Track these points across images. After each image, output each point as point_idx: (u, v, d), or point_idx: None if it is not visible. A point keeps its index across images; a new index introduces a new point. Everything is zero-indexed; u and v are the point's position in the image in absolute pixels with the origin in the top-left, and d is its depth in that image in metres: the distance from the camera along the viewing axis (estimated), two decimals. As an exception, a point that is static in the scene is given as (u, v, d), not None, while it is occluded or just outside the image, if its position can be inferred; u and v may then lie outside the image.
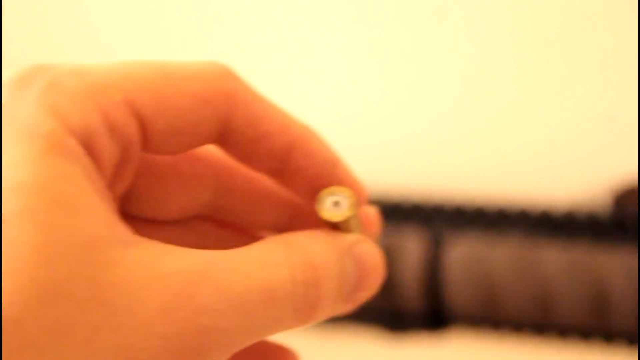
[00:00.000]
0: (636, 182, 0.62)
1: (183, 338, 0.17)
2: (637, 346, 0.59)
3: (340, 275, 0.21)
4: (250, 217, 0.25)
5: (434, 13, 0.66)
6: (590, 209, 0.63)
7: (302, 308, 0.20)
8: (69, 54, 0.73)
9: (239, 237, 0.26)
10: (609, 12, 0.63)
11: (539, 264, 0.61)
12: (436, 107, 0.67)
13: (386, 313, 0.64)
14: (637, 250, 0.59)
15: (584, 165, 0.64)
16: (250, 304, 0.18)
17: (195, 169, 0.24)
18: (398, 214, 0.66)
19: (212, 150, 0.24)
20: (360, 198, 0.24)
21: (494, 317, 0.62)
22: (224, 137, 0.22)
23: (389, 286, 0.63)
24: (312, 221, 0.23)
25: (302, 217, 0.26)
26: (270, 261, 0.19)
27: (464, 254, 0.63)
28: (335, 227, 0.22)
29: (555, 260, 0.61)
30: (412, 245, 0.64)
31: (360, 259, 0.22)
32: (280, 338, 0.28)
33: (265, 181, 0.25)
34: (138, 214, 0.23)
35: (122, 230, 0.18)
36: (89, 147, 0.18)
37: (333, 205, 0.22)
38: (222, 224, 0.26)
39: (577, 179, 0.64)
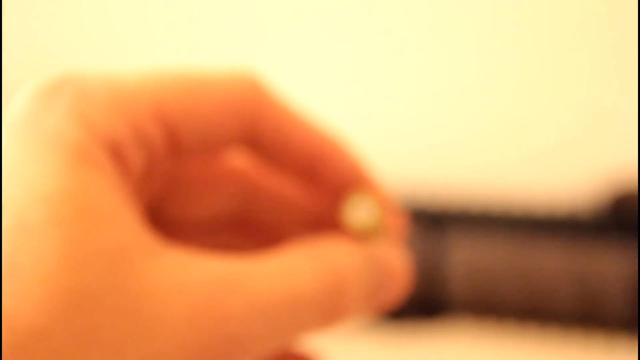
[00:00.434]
0: (635, 184, 0.63)
1: (210, 346, 0.17)
2: (636, 345, 0.60)
3: (365, 282, 0.21)
4: (275, 221, 0.25)
5: (435, 13, 0.66)
6: (590, 210, 0.63)
7: (327, 315, 0.20)
8: (68, 55, 0.73)
9: (265, 242, 0.26)
10: (609, 13, 0.63)
11: (537, 266, 0.61)
12: (436, 108, 0.67)
13: (386, 313, 0.64)
14: (635, 251, 0.59)
15: (583, 167, 0.65)
16: (276, 312, 0.18)
17: (221, 175, 0.24)
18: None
19: (237, 157, 0.24)
20: (386, 205, 0.24)
21: (494, 316, 0.63)
22: (250, 142, 0.22)
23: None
24: (338, 227, 0.23)
25: (327, 223, 0.26)
26: (295, 269, 0.19)
27: (464, 256, 0.63)
28: (360, 234, 0.22)
29: (553, 261, 0.61)
30: (414, 247, 0.64)
31: (385, 266, 0.22)
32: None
33: (291, 187, 0.25)
34: (167, 220, 0.23)
35: (148, 239, 0.18)
36: (117, 157, 0.18)
37: (358, 212, 0.22)
38: (248, 228, 0.26)
39: (576, 180, 0.65)
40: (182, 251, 0.18)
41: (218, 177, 0.24)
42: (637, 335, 0.59)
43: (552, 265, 0.61)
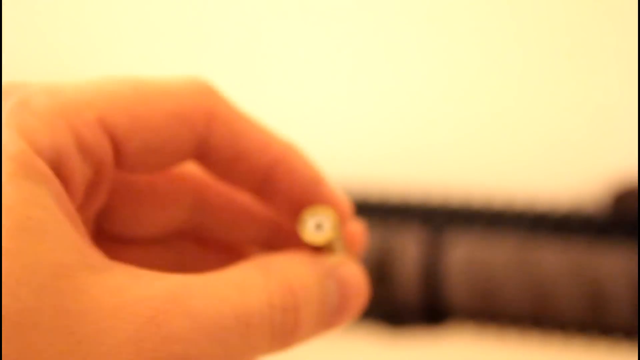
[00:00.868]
0: (636, 182, 0.62)
1: None
2: (636, 345, 0.59)
3: (321, 298, 0.21)
4: (230, 234, 0.25)
5: (435, 12, 0.66)
6: (589, 209, 0.62)
7: (280, 334, 0.19)
8: (68, 56, 0.73)
9: (220, 255, 0.25)
10: (609, 13, 0.63)
11: (537, 264, 0.61)
12: (435, 107, 0.67)
13: (386, 312, 0.64)
14: (636, 250, 0.59)
15: (583, 165, 0.64)
16: (224, 331, 0.18)
17: (172, 186, 0.23)
18: (397, 214, 0.65)
19: (190, 167, 0.23)
20: (345, 217, 0.23)
21: (492, 316, 0.62)
22: (203, 154, 0.21)
23: (389, 286, 0.63)
24: (295, 239, 0.22)
25: (284, 235, 0.25)
26: (246, 285, 0.19)
27: (463, 254, 0.62)
28: (318, 248, 0.22)
29: (554, 260, 0.61)
30: (412, 246, 0.63)
31: (343, 281, 0.21)
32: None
33: (246, 198, 0.24)
34: (115, 233, 0.23)
35: (91, 255, 0.17)
36: (59, 169, 0.18)
37: (315, 226, 0.21)
38: (202, 242, 0.25)
39: (577, 178, 0.64)
40: (126, 268, 0.18)
41: (171, 189, 0.23)
42: (637, 335, 0.59)
43: (553, 263, 0.60)
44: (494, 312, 0.62)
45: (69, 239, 0.17)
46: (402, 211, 0.65)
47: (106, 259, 0.18)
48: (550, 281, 0.60)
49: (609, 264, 0.59)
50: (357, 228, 0.25)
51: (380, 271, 0.63)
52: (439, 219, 0.64)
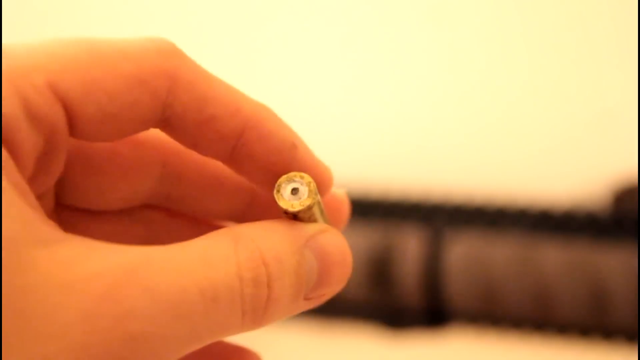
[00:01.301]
0: (636, 181, 0.62)
1: (107, 347, 0.15)
2: (637, 344, 0.59)
3: (298, 270, 0.19)
4: (203, 205, 0.23)
5: (434, 12, 0.66)
6: (590, 207, 0.62)
7: (251, 309, 0.18)
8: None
9: (194, 227, 0.23)
10: (609, 11, 0.63)
11: (538, 263, 0.61)
12: (436, 106, 0.67)
13: (386, 310, 0.64)
14: (636, 248, 0.59)
15: (584, 164, 0.64)
16: (187, 306, 0.16)
17: (137, 155, 0.21)
18: (398, 212, 0.65)
19: (156, 134, 0.21)
20: (325, 183, 0.22)
21: (493, 314, 0.62)
22: (167, 121, 0.19)
23: (389, 284, 0.63)
24: (274, 211, 0.20)
25: (261, 205, 0.23)
26: (214, 256, 0.17)
27: (464, 252, 0.62)
28: (296, 217, 0.20)
29: (555, 258, 0.61)
30: (413, 244, 0.63)
31: (323, 250, 0.20)
32: (268, 333, 0.28)
33: (218, 166, 0.22)
34: (77, 204, 0.21)
35: (42, 228, 0.16)
36: (6, 137, 0.16)
37: (292, 193, 0.20)
38: (175, 214, 0.23)
39: (577, 177, 0.64)
40: (81, 240, 0.16)
41: (135, 158, 0.21)
42: (637, 333, 0.59)
43: (554, 261, 0.60)
44: (495, 310, 0.62)
45: (14, 210, 0.15)
46: (403, 210, 0.65)
47: (59, 231, 0.16)
48: (551, 279, 0.60)
49: (610, 261, 0.59)
50: (339, 196, 0.23)
51: (380, 271, 0.63)
52: (440, 218, 0.64)
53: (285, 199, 0.20)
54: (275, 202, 0.20)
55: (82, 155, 0.20)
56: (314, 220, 0.20)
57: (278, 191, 0.20)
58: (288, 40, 0.69)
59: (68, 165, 0.20)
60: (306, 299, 0.19)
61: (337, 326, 0.65)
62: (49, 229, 0.16)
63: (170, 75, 0.18)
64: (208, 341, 0.17)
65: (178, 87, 0.19)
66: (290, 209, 0.20)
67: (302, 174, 0.20)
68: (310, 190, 0.20)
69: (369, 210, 0.65)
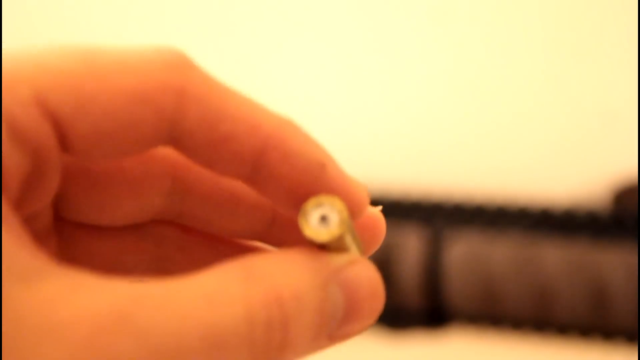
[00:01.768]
0: (636, 180, 0.61)
1: None
2: (637, 343, 0.59)
3: (320, 308, 0.17)
4: (219, 224, 0.21)
5: (436, 13, 0.66)
6: (590, 206, 0.62)
7: (263, 355, 0.16)
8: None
9: (211, 245, 0.21)
10: (609, 11, 0.63)
11: (538, 262, 0.60)
12: (436, 105, 0.67)
13: (386, 310, 0.64)
14: (636, 247, 0.58)
15: (584, 163, 0.64)
16: (184, 354, 0.14)
17: (143, 169, 0.19)
18: (398, 211, 0.65)
19: (165, 149, 0.19)
20: (358, 206, 0.19)
21: (493, 314, 0.62)
22: (176, 140, 0.17)
23: (389, 284, 0.63)
24: (298, 229, 0.18)
25: (285, 224, 0.21)
26: (219, 295, 0.15)
27: (463, 252, 0.62)
28: (324, 245, 0.18)
29: (555, 257, 0.60)
30: (412, 243, 0.63)
31: (350, 285, 0.17)
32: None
33: (236, 183, 0.20)
34: (79, 220, 0.19)
35: (23, 260, 0.14)
36: None
37: (320, 220, 0.17)
38: (190, 229, 0.21)
39: (577, 176, 0.64)
40: (67, 275, 0.14)
41: (142, 173, 0.19)
42: (637, 333, 0.58)
43: (554, 260, 0.60)
44: (495, 309, 0.61)
45: None
46: (403, 209, 0.65)
47: (45, 262, 0.14)
48: (551, 279, 0.60)
49: (610, 260, 0.59)
50: (374, 216, 0.20)
51: (380, 270, 0.62)
52: (440, 217, 0.64)
53: (312, 227, 0.17)
54: (301, 230, 0.17)
55: (82, 170, 0.19)
56: (344, 249, 0.18)
57: (304, 217, 0.17)
58: (289, 40, 0.69)
59: (67, 180, 0.18)
60: (330, 337, 0.17)
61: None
62: (32, 261, 0.14)
63: (178, 90, 0.16)
64: None
65: (187, 103, 0.17)
66: (317, 239, 0.17)
67: (334, 198, 0.17)
68: (340, 218, 0.17)
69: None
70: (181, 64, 0.17)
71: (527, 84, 0.65)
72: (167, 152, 0.19)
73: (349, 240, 0.18)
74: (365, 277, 0.18)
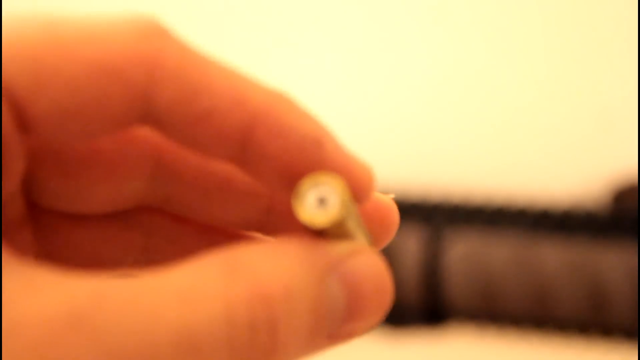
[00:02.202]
0: (635, 180, 0.61)
1: None
2: (636, 342, 0.58)
3: (316, 305, 0.15)
4: (210, 212, 0.18)
5: (436, 13, 0.66)
6: (590, 206, 0.62)
7: (247, 359, 0.14)
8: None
9: (204, 235, 0.19)
10: (609, 11, 0.63)
11: (538, 262, 0.60)
12: (436, 105, 0.67)
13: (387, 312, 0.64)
14: (636, 247, 0.58)
15: (583, 163, 0.64)
16: (152, 357, 0.13)
17: (121, 151, 0.17)
18: (398, 211, 0.66)
19: (145, 129, 0.17)
20: (363, 187, 0.16)
21: (493, 313, 0.62)
22: (152, 117, 0.15)
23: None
24: (295, 218, 0.15)
25: (283, 212, 0.18)
26: (196, 292, 0.13)
27: (463, 251, 0.62)
28: (322, 232, 0.15)
29: (554, 257, 0.60)
30: (412, 243, 0.63)
31: (353, 279, 0.15)
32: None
33: (226, 166, 0.18)
34: (55, 208, 0.17)
35: None
36: None
37: (317, 202, 0.15)
38: (182, 218, 0.19)
39: (576, 176, 0.64)
40: (23, 275, 0.13)
41: (119, 156, 0.17)
42: (637, 332, 0.58)
43: (553, 260, 0.60)
44: (494, 309, 0.61)
45: None
46: (403, 209, 0.65)
47: (10, 259, 0.13)
48: (551, 278, 0.60)
49: (610, 260, 0.59)
50: (384, 203, 0.18)
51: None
52: (440, 217, 0.64)
53: (308, 210, 0.15)
54: (295, 213, 0.15)
55: (52, 153, 0.17)
56: (346, 237, 0.15)
57: (299, 199, 0.15)
58: (289, 40, 0.70)
59: (35, 164, 0.16)
60: (331, 337, 0.15)
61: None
62: None
63: (150, 62, 0.14)
64: None
65: (161, 76, 0.15)
66: (314, 224, 0.15)
67: (333, 176, 0.15)
68: (340, 199, 0.15)
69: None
70: (154, 33, 0.15)
71: (527, 84, 0.65)
72: (147, 133, 0.17)
73: (351, 226, 0.16)
74: (370, 269, 0.15)
